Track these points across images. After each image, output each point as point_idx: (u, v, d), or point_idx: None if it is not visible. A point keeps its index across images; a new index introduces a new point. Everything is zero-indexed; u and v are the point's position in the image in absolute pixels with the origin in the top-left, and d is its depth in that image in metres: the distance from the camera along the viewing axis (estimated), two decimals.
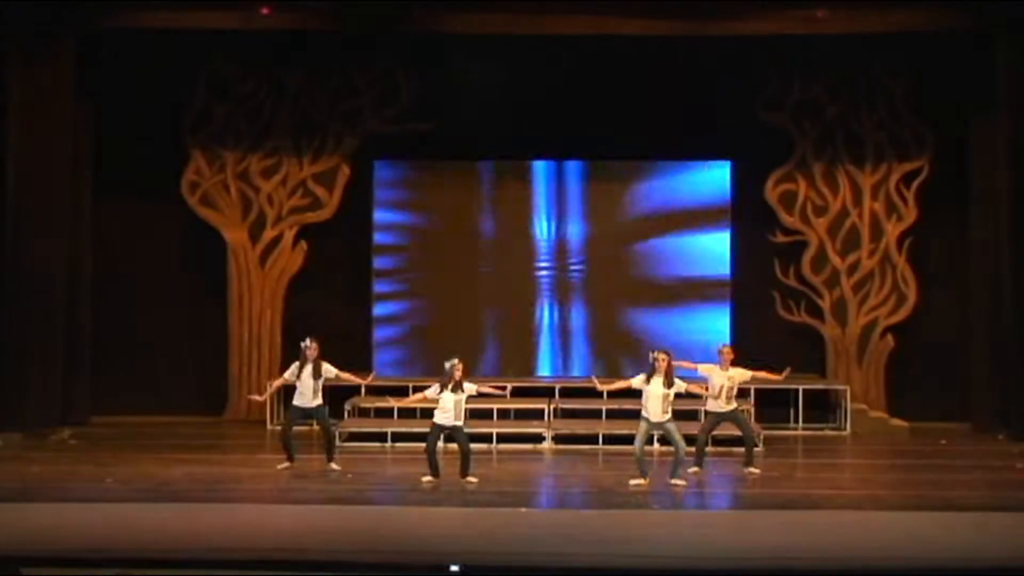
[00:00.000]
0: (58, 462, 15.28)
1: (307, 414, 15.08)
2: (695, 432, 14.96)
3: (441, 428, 14.19)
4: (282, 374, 15.51)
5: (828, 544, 11.02)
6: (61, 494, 13.22)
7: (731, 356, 14.93)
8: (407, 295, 19.59)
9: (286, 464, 15.06)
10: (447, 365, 14.15)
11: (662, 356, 14.10)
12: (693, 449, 14.86)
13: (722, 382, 14.75)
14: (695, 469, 14.75)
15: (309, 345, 15.01)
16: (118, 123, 18.81)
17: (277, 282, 19.37)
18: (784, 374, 15.21)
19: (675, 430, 14.09)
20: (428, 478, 14.14)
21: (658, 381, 14.00)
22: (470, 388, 14.21)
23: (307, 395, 14.95)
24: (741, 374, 14.91)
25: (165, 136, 18.98)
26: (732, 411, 14.93)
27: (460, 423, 14.21)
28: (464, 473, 14.20)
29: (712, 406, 14.88)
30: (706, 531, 11.63)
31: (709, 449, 15.39)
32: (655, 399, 13.99)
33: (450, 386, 14.07)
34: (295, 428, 15.38)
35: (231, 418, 19.12)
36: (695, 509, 13.28)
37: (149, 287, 19.30)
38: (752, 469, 14.90)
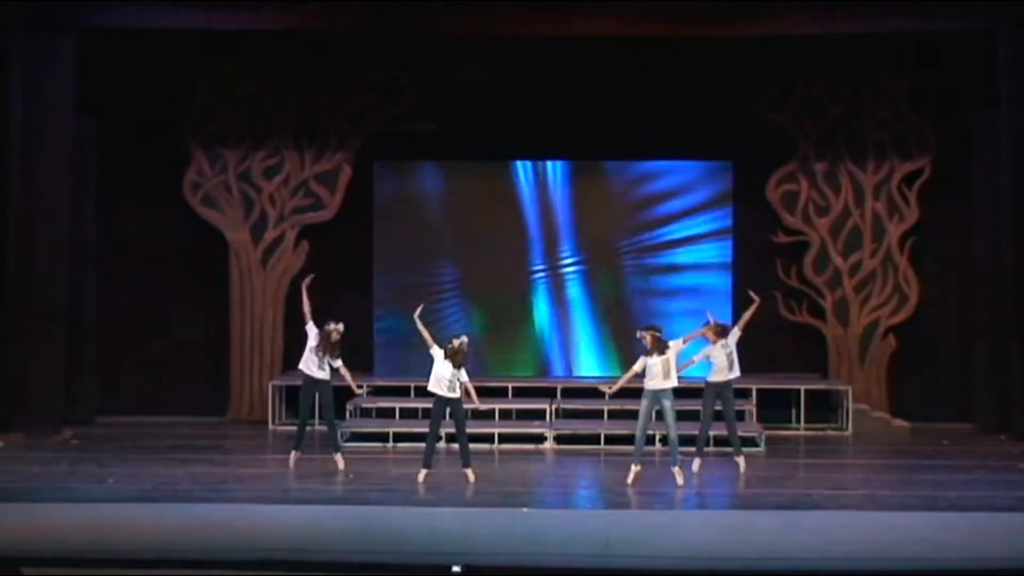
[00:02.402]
0: (60, 462, 15.28)
1: (313, 383, 15.00)
2: (694, 432, 14.97)
3: (440, 400, 14.19)
4: (312, 310, 15.20)
5: (828, 544, 11.01)
6: (62, 494, 13.23)
7: (715, 329, 14.94)
8: (409, 295, 19.56)
9: (293, 455, 15.04)
10: (456, 342, 14.20)
11: (648, 335, 14.18)
12: (694, 448, 14.89)
13: (723, 353, 14.85)
14: (698, 462, 14.77)
15: (336, 328, 14.96)
16: (119, 123, 18.83)
17: (279, 282, 19.38)
18: (757, 300, 15.19)
19: (671, 410, 14.09)
20: (423, 473, 14.14)
21: (655, 356, 14.14)
22: (464, 375, 14.23)
23: (312, 365, 14.95)
24: (733, 335, 15.01)
25: (167, 136, 19.00)
26: (731, 383, 14.95)
27: (457, 396, 14.22)
28: (465, 463, 14.20)
29: (714, 377, 14.92)
30: (706, 531, 11.62)
31: (709, 449, 15.39)
32: (654, 368, 14.10)
33: (450, 360, 14.10)
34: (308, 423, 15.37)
35: (233, 418, 19.14)
36: (695, 509, 13.28)
37: (151, 287, 19.31)
38: (739, 460, 14.91)
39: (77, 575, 10.08)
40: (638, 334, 14.40)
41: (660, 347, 14.14)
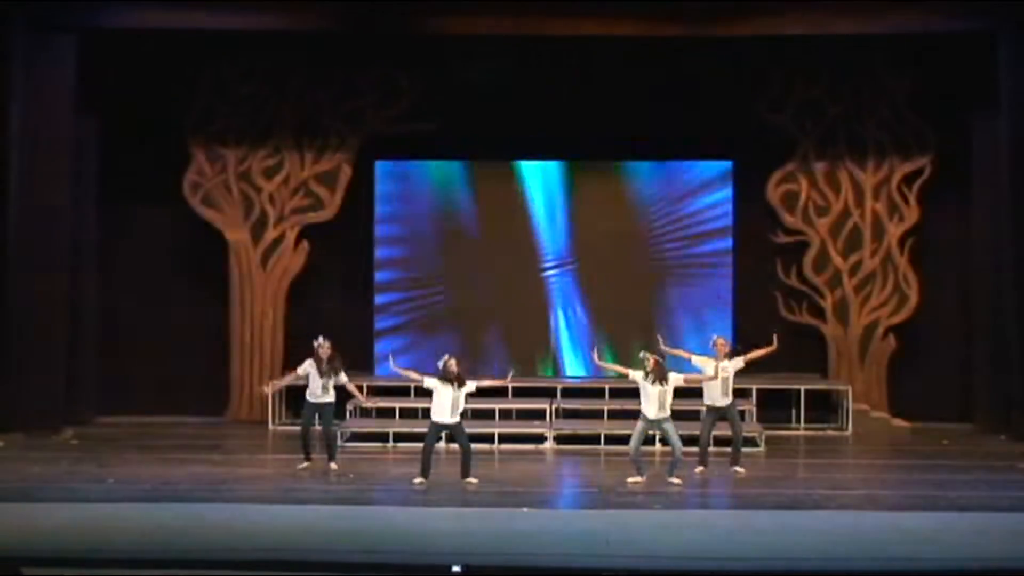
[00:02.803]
0: (59, 462, 15.27)
1: (317, 409, 15.03)
2: (697, 432, 14.97)
3: (438, 427, 14.19)
4: (293, 370, 15.39)
5: (828, 544, 11.00)
6: (62, 494, 13.22)
7: (726, 348, 15.02)
8: (409, 295, 19.59)
9: (305, 464, 15.02)
10: (439, 363, 14.18)
11: (651, 358, 14.19)
12: (697, 449, 14.90)
13: (719, 375, 14.79)
14: (700, 468, 14.80)
15: (321, 344, 15.01)
16: (119, 123, 18.81)
17: (279, 282, 19.38)
18: (775, 344, 15.19)
19: (672, 431, 14.13)
20: (419, 480, 14.12)
21: (653, 383, 14.13)
22: (470, 386, 14.20)
23: (317, 392, 14.96)
24: (735, 364, 15.01)
25: (167, 136, 18.98)
26: (730, 405, 14.98)
27: (457, 420, 14.18)
28: (465, 474, 14.18)
29: (710, 400, 14.93)
30: (706, 531, 11.61)
31: (711, 449, 15.37)
32: (650, 396, 14.11)
33: (448, 383, 14.06)
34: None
35: (233, 418, 19.14)
36: (695, 509, 13.27)
37: (151, 287, 19.32)
38: (738, 468, 14.92)
39: (77, 575, 10.07)
40: (642, 354, 14.36)
41: (660, 375, 14.11)
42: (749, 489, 14.18)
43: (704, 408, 15.23)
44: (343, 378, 15.07)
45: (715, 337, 15.30)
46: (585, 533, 11.40)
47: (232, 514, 12.22)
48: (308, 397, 15.07)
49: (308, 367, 15.04)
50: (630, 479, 14.12)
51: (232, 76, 19.18)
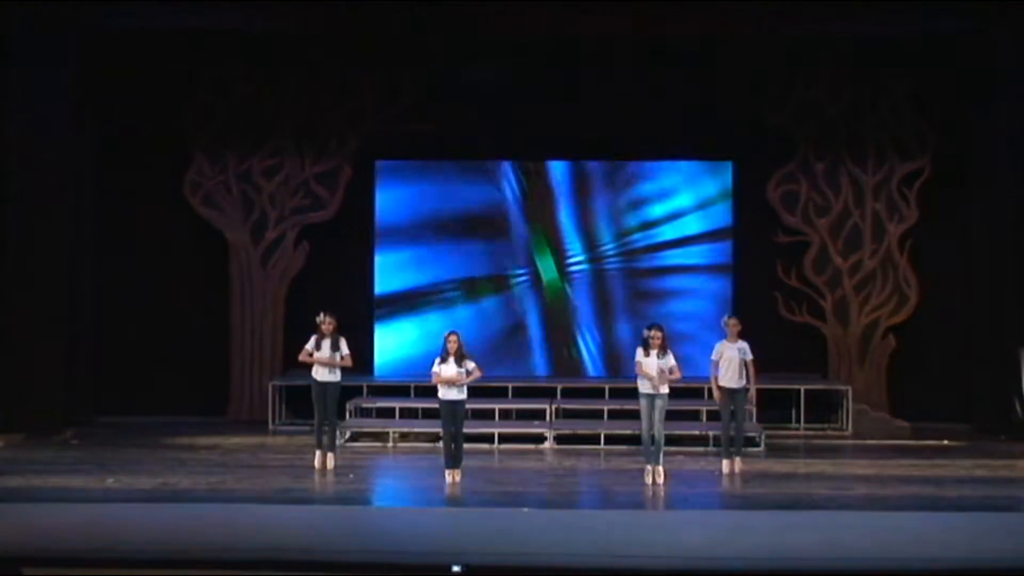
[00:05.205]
0: (59, 462, 15.28)
1: (322, 389, 14.98)
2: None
3: (448, 404, 14.10)
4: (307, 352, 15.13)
5: (828, 544, 11.00)
6: (62, 494, 13.23)
7: (738, 327, 14.79)
8: (409, 295, 19.59)
9: (319, 454, 14.96)
10: (444, 341, 14.16)
11: (655, 333, 14.08)
12: (720, 450, 15.00)
13: (733, 354, 14.68)
14: (726, 463, 14.78)
15: (324, 320, 14.98)
16: (119, 123, 18.83)
17: (279, 282, 19.39)
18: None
19: (662, 409, 14.08)
20: (449, 475, 14.05)
21: (653, 354, 14.08)
22: (470, 367, 14.12)
23: (324, 370, 14.93)
24: (748, 349, 14.73)
25: (167, 136, 19.00)
26: (744, 388, 14.78)
27: (462, 398, 14.13)
28: (455, 464, 14.13)
29: (725, 381, 14.73)
30: (706, 531, 11.61)
31: (710, 448, 15.38)
32: (650, 368, 14.04)
33: (449, 359, 14.04)
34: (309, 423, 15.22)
35: (233, 418, 19.14)
36: (695, 509, 13.27)
37: (151, 287, 19.31)
38: (735, 461, 14.87)
39: (77, 575, 10.08)
40: (645, 331, 14.26)
41: (664, 349, 14.12)
42: (749, 489, 14.18)
43: (716, 388, 14.84)
44: (346, 350, 14.98)
45: (726, 317, 15.06)
46: (585, 533, 11.39)
47: (232, 514, 12.21)
48: (314, 375, 15.02)
49: (314, 343, 14.99)
50: (647, 478, 14.09)
51: (232, 76, 19.19)
